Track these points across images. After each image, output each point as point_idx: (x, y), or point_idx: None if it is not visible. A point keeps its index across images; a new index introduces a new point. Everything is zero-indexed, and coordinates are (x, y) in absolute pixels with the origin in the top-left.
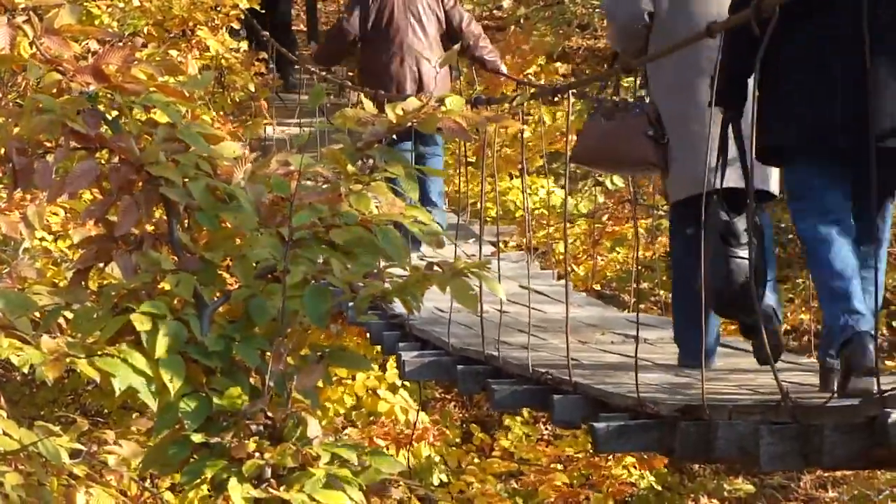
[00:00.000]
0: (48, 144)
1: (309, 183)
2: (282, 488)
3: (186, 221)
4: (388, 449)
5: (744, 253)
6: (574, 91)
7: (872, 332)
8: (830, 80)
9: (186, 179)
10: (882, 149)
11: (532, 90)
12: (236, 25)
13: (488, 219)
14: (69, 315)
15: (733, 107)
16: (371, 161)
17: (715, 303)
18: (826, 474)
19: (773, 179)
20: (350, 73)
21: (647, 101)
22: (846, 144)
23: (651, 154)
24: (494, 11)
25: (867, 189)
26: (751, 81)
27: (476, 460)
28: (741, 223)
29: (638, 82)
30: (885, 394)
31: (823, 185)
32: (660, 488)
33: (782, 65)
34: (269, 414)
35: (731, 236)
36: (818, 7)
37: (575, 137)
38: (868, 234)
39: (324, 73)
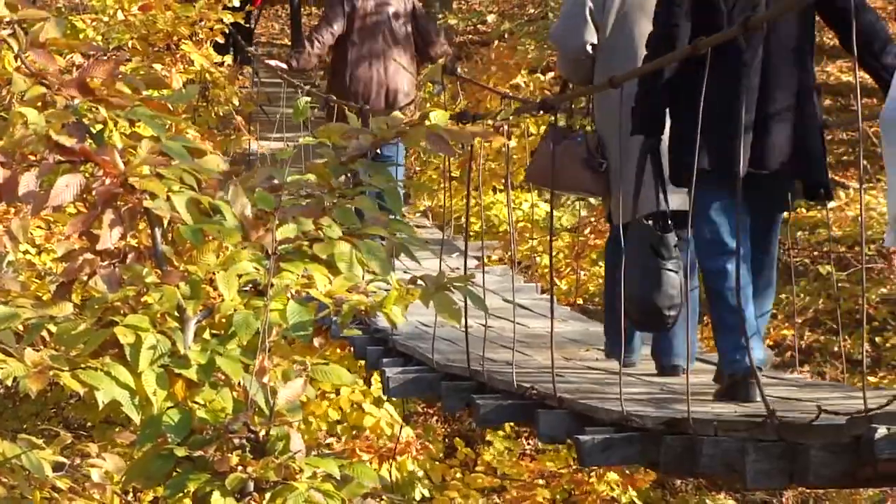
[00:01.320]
0: (33, 158)
1: (290, 198)
2: (264, 502)
3: (170, 235)
4: (371, 463)
5: (673, 266)
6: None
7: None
8: (737, 113)
9: (170, 193)
10: (774, 174)
11: (516, 105)
12: (220, 40)
13: (472, 233)
14: (53, 328)
15: (651, 134)
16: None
17: (638, 314)
18: (809, 490)
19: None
20: None
21: (591, 129)
22: (747, 171)
23: (588, 181)
24: (479, 26)
25: (762, 210)
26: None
27: (459, 475)
28: (672, 238)
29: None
30: (871, 412)
31: (725, 208)
32: None
33: (697, 95)
34: (253, 428)
35: (663, 249)
36: (730, 47)
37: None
38: (764, 243)
39: (307, 87)
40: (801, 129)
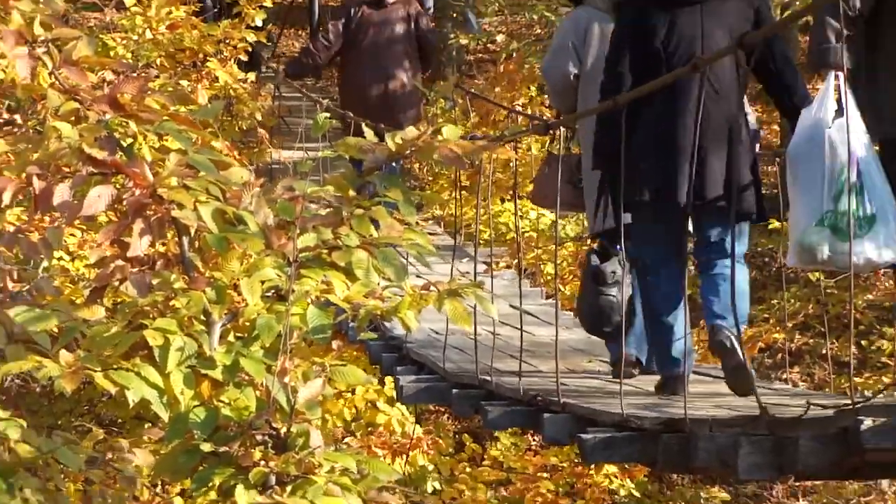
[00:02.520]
0: (67, 169)
1: (313, 206)
2: (286, 495)
3: (197, 243)
4: (385, 458)
5: (613, 291)
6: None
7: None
8: (674, 148)
9: (197, 203)
10: (716, 207)
11: (525, 122)
12: (244, 57)
13: (481, 241)
14: (86, 331)
15: (608, 169)
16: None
17: (589, 329)
18: (797, 484)
19: None
20: None
21: (573, 150)
22: (683, 201)
23: (571, 197)
24: (489, 45)
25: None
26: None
27: (468, 469)
28: (610, 266)
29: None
30: (859, 405)
31: (659, 237)
32: (639, 496)
33: (636, 135)
34: (274, 425)
35: (601, 277)
36: (675, 87)
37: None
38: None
39: (326, 101)
40: (733, 164)
